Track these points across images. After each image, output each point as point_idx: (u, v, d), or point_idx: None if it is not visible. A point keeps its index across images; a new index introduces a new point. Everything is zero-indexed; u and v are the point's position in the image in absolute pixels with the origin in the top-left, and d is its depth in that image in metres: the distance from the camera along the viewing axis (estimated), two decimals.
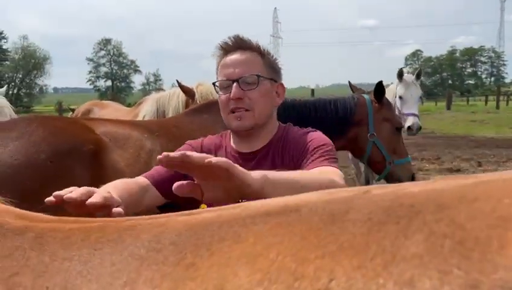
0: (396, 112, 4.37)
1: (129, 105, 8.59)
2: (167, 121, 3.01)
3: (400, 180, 2.79)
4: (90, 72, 78.45)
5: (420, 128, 4.32)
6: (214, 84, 1.51)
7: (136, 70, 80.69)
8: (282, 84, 1.55)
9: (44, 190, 1.07)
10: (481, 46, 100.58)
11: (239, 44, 1.45)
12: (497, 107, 26.10)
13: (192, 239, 0.50)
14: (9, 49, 64.32)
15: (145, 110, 4.06)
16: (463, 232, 0.36)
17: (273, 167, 1.37)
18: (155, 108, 3.99)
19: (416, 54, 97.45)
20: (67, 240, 0.56)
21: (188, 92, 3.80)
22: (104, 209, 0.95)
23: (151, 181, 1.37)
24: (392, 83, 4.77)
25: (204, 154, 0.95)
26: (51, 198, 0.94)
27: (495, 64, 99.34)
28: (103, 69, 78.93)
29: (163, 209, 1.44)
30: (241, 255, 0.45)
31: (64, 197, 0.92)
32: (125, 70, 79.82)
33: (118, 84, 78.75)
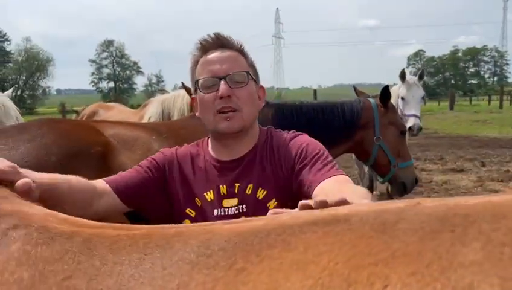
0: (398, 113, 4.41)
1: (132, 106, 8.62)
2: (175, 123, 3.04)
3: (403, 183, 2.86)
4: (92, 73, 78.69)
5: (421, 129, 4.34)
6: (196, 82, 1.34)
7: (139, 72, 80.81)
8: (263, 87, 1.46)
9: None
10: (484, 46, 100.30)
11: (221, 42, 1.35)
12: (501, 106, 26.00)
13: (241, 245, 0.51)
14: (12, 51, 64.63)
15: (151, 112, 4.10)
16: None
17: (263, 171, 1.33)
18: (160, 110, 4.02)
19: (418, 54, 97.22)
20: (115, 245, 0.57)
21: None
22: None
23: (112, 187, 1.28)
24: (394, 84, 4.79)
25: None
26: None
27: (498, 63, 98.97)
28: (106, 71, 79.11)
29: (130, 216, 1.41)
30: (292, 262, 0.45)
31: None
32: (127, 72, 79.94)
33: (121, 85, 78.86)
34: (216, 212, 1.31)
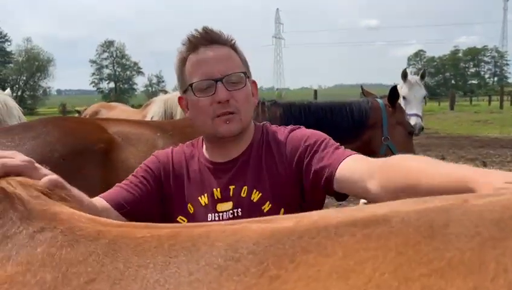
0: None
1: (132, 107, 8.63)
2: (181, 122, 3.05)
3: None
4: (93, 74, 78.67)
5: (422, 128, 4.36)
6: (191, 86, 1.25)
7: (139, 72, 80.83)
8: (255, 82, 1.37)
9: None
10: (484, 46, 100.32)
11: (211, 37, 1.24)
12: (501, 107, 25.99)
13: (272, 249, 0.47)
14: (13, 52, 64.64)
15: (153, 112, 4.10)
16: None
17: (258, 171, 1.26)
18: (163, 109, 4.03)
19: (419, 54, 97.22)
20: (140, 247, 0.54)
21: None
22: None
23: (110, 203, 1.22)
24: (395, 84, 4.80)
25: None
26: None
27: (498, 64, 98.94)
28: (106, 71, 79.10)
29: None
30: (331, 270, 0.41)
31: None
32: (128, 72, 79.95)
33: (121, 86, 78.87)
34: (210, 217, 1.25)
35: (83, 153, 2.19)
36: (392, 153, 2.82)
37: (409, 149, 2.90)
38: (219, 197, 1.26)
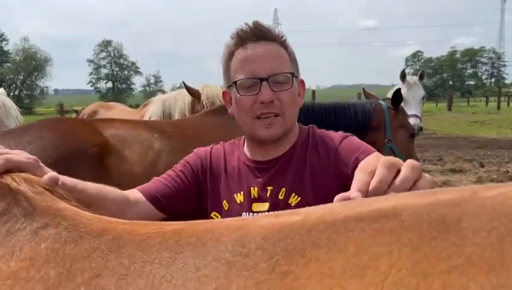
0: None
1: (130, 106, 8.61)
2: (184, 122, 3.05)
3: None
4: (91, 73, 78.58)
5: (421, 129, 4.37)
6: (235, 83, 1.20)
7: (137, 72, 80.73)
8: (303, 82, 1.31)
9: None
10: (481, 47, 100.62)
11: (261, 33, 1.19)
12: (498, 108, 26.07)
13: (281, 244, 0.46)
14: (10, 51, 64.47)
15: (151, 112, 4.09)
16: None
17: (299, 174, 1.21)
18: (161, 109, 4.02)
19: (416, 55, 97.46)
20: (145, 243, 0.54)
21: (194, 94, 3.83)
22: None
23: (145, 195, 1.23)
24: (392, 85, 4.82)
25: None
26: None
27: (495, 65, 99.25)
28: (104, 71, 79.01)
29: None
30: (345, 266, 0.40)
31: None
32: (125, 72, 79.84)
33: (119, 85, 78.77)
34: (244, 215, 1.20)
35: (75, 158, 2.18)
36: (395, 156, 2.84)
37: (410, 151, 2.93)
38: (256, 196, 1.23)
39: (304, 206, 1.18)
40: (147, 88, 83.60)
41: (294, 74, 1.21)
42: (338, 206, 0.49)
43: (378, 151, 3.30)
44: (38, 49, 65.15)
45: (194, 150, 1.39)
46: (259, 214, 1.18)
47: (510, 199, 0.40)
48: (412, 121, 4.31)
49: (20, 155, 0.87)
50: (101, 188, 1.13)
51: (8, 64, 63.35)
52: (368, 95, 3.45)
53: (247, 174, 1.26)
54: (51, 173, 0.84)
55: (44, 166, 0.92)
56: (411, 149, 2.95)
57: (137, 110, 5.16)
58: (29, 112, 41.22)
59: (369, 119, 2.82)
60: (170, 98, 4.09)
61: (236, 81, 1.20)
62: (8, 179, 0.71)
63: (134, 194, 1.23)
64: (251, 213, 1.21)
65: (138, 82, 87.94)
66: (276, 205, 1.19)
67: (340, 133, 1.27)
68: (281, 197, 1.20)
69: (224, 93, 1.33)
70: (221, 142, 1.41)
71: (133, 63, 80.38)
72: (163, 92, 5.49)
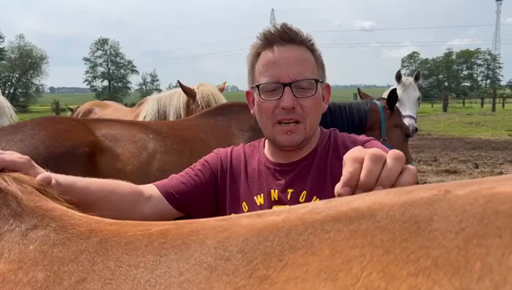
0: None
1: (126, 105, 8.59)
2: (181, 123, 3.05)
3: None
4: (87, 72, 78.21)
5: (416, 130, 4.38)
6: (257, 86, 1.19)
7: (133, 71, 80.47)
8: (328, 85, 1.28)
9: None
10: (477, 49, 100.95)
11: (289, 36, 1.17)
12: (493, 109, 26.20)
13: (260, 247, 0.46)
14: (5, 49, 64.06)
15: (146, 110, 4.09)
16: None
17: (320, 178, 1.19)
18: (156, 108, 4.02)
19: (412, 56, 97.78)
20: (131, 245, 0.54)
21: (189, 93, 3.83)
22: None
23: (161, 191, 1.22)
24: (388, 86, 4.83)
25: None
26: None
27: (491, 66, 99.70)
28: (100, 69, 78.71)
29: None
30: (320, 270, 0.41)
31: None
32: (122, 71, 79.57)
33: (115, 84, 78.49)
34: None
35: (66, 157, 2.18)
36: None
37: (404, 151, 2.97)
38: (276, 199, 1.21)
39: None
40: (143, 87, 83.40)
41: (319, 80, 1.19)
42: (319, 205, 0.49)
43: None
44: (33, 46, 64.92)
45: (214, 151, 1.38)
46: None
47: (481, 197, 0.40)
48: (407, 121, 4.32)
49: (13, 155, 0.87)
50: (107, 184, 1.11)
51: (3, 61, 62.95)
52: (363, 95, 3.48)
53: (267, 177, 1.25)
54: (44, 173, 0.84)
55: (38, 166, 0.91)
56: (405, 149, 2.98)
57: (133, 109, 5.16)
58: (24, 110, 40.97)
59: (364, 119, 2.86)
60: (165, 97, 4.09)
61: (260, 84, 1.19)
62: None
63: (150, 189, 1.22)
64: None
65: (134, 81, 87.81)
66: None
67: (363, 137, 1.27)
68: (301, 199, 1.19)
69: (247, 93, 1.32)
70: (241, 143, 1.40)
71: (130, 62, 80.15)
72: (160, 90, 5.49)
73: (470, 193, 0.41)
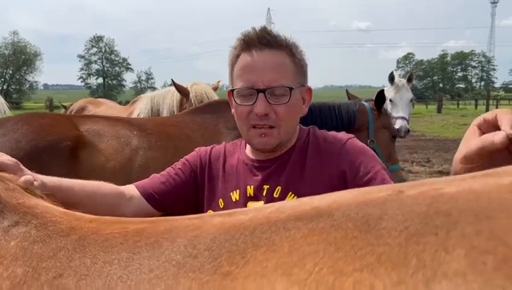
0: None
1: (120, 103, 8.56)
2: (167, 120, 3.05)
3: None
4: (81, 69, 77.85)
5: (408, 131, 4.40)
6: (232, 91, 1.22)
7: (128, 69, 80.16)
8: (309, 89, 1.28)
9: None
10: (472, 51, 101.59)
11: (267, 40, 1.16)
12: (487, 111, 26.34)
13: (226, 245, 0.49)
14: None
15: (140, 108, 4.08)
16: (506, 249, 0.34)
17: (296, 174, 1.21)
18: (149, 106, 4.01)
19: (408, 57, 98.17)
20: (108, 243, 0.56)
21: (182, 91, 3.82)
22: None
23: (140, 191, 1.25)
24: (384, 86, 4.84)
25: None
26: None
27: (485, 68, 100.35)
28: (95, 67, 78.34)
29: None
30: (277, 266, 0.43)
31: None
32: (117, 68, 79.24)
33: (110, 81, 78.16)
34: None
35: (47, 151, 2.19)
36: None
37: (391, 152, 3.00)
38: (252, 195, 1.23)
39: None
40: (138, 85, 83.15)
41: (293, 87, 1.18)
42: (285, 205, 0.52)
43: None
44: (27, 43, 64.42)
45: (195, 149, 1.39)
46: None
47: (429, 197, 0.42)
48: (399, 123, 4.34)
49: (1, 157, 0.90)
50: (90, 185, 1.14)
51: None
52: (351, 96, 3.50)
53: (245, 173, 1.27)
54: (26, 176, 0.85)
55: (26, 169, 0.93)
56: (392, 150, 3.00)
57: (126, 107, 5.14)
58: (17, 107, 40.74)
59: (353, 119, 2.88)
60: (159, 95, 4.08)
61: (234, 89, 1.21)
62: None
63: (131, 189, 1.25)
64: None
65: (129, 78, 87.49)
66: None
67: (344, 134, 1.27)
68: (276, 195, 1.20)
69: (229, 92, 1.32)
70: (224, 142, 1.42)
71: (125, 60, 79.82)
72: (154, 89, 5.48)
73: (419, 193, 0.44)
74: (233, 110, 1.30)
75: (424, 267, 0.36)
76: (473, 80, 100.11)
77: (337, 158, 1.18)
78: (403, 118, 4.34)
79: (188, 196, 1.31)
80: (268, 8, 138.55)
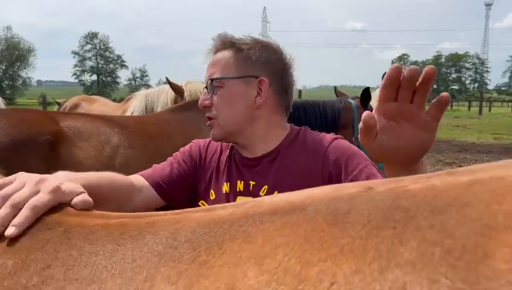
0: None
1: (114, 100, 8.51)
2: (148, 118, 3.05)
3: None
4: (75, 65, 77.46)
5: None
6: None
7: (123, 66, 79.89)
8: (263, 80, 1.25)
9: None
10: (466, 53, 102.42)
11: (216, 45, 1.28)
12: (480, 113, 26.60)
13: (205, 237, 0.52)
14: None
15: (134, 106, 4.06)
16: (452, 241, 0.37)
17: (284, 173, 1.23)
18: (144, 104, 3.99)
19: (402, 58, 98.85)
20: (92, 235, 0.59)
21: (177, 90, 3.81)
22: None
23: (149, 181, 1.26)
24: (378, 87, 4.86)
25: None
26: None
27: (479, 70, 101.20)
28: (89, 63, 77.98)
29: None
30: (250, 256, 0.46)
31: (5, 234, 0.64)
32: (111, 65, 78.96)
33: (104, 78, 77.88)
34: None
35: (26, 145, 2.21)
36: None
37: None
38: (241, 190, 1.27)
39: None
40: (133, 82, 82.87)
41: (224, 77, 1.23)
42: (263, 200, 0.55)
43: None
44: (21, 38, 63.95)
45: (193, 141, 1.43)
46: None
47: (394, 194, 0.45)
48: None
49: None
50: (104, 177, 1.06)
51: None
52: (339, 94, 3.49)
53: (236, 168, 1.31)
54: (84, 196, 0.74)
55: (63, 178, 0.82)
56: None
57: (120, 104, 5.13)
58: (11, 103, 40.40)
59: (338, 117, 2.85)
60: (153, 93, 4.07)
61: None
62: None
63: (138, 180, 1.25)
64: None
65: (123, 76, 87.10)
66: None
67: (331, 135, 1.30)
68: (262, 193, 1.23)
69: None
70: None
71: (119, 56, 79.58)
72: (149, 86, 5.47)
73: (387, 190, 0.46)
74: None
75: (380, 258, 0.39)
76: (467, 82, 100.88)
77: (322, 159, 1.21)
78: None
79: (188, 185, 1.34)
80: (264, 7, 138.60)
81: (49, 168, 2.18)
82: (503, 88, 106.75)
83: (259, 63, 1.25)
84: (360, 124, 0.84)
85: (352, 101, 2.99)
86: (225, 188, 1.29)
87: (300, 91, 20.13)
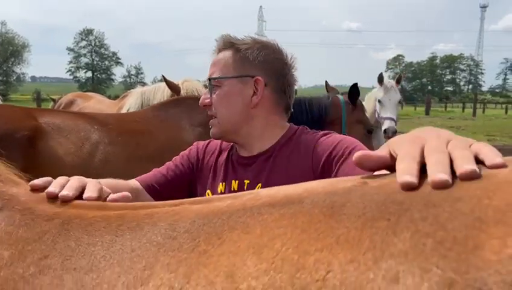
0: (376, 116, 4.51)
1: (109, 97, 8.47)
2: (130, 116, 3.05)
3: None
4: (70, 62, 76.96)
5: (396, 132, 4.44)
6: None
7: (118, 63, 79.47)
8: (258, 79, 1.26)
9: None
10: (460, 54, 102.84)
11: (219, 45, 1.32)
12: (474, 114, 26.74)
13: (204, 227, 0.53)
14: None
15: (130, 104, 4.06)
16: (444, 232, 0.38)
17: (278, 171, 1.25)
18: (140, 102, 3.99)
19: (397, 59, 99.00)
20: (91, 227, 0.59)
21: (173, 88, 3.80)
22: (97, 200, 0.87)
23: (143, 186, 1.30)
24: (373, 87, 4.89)
25: None
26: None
27: (473, 72, 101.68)
28: (84, 60, 77.50)
29: None
30: (249, 245, 0.48)
31: (60, 195, 0.74)
32: (106, 62, 78.52)
33: (99, 75, 77.42)
34: None
35: (4, 139, 2.21)
36: None
37: (368, 148, 2.96)
38: (235, 189, 1.29)
39: None
40: (128, 79, 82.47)
41: (222, 76, 1.27)
42: (261, 193, 0.57)
43: None
44: (15, 34, 63.49)
45: (194, 143, 1.47)
46: None
47: (389, 188, 0.47)
48: (387, 123, 4.38)
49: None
50: (109, 183, 1.07)
51: None
52: (330, 89, 3.47)
53: (233, 168, 1.33)
54: (124, 193, 0.82)
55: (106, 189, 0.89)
56: (369, 145, 2.88)
57: (116, 101, 5.11)
58: (4, 99, 40.03)
59: (324, 113, 2.80)
60: (149, 91, 4.06)
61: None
62: None
63: (134, 183, 1.29)
64: None
65: (119, 73, 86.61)
66: None
67: (322, 132, 1.30)
68: None
69: None
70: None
71: (114, 53, 79.13)
72: (144, 84, 5.47)
73: (382, 185, 0.49)
74: None
75: (375, 248, 0.40)
76: (461, 83, 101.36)
77: (312, 157, 1.22)
78: (391, 118, 4.38)
79: (185, 187, 1.37)
80: (260, 6, 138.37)
81: (27, 163, 2.17)
82: (497, 90, 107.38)
83: (256, 63, 1.27)
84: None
85: (340, 97, 2.96)
86: (220, 187, 1.31)
87: (296, 90, 20.17)
